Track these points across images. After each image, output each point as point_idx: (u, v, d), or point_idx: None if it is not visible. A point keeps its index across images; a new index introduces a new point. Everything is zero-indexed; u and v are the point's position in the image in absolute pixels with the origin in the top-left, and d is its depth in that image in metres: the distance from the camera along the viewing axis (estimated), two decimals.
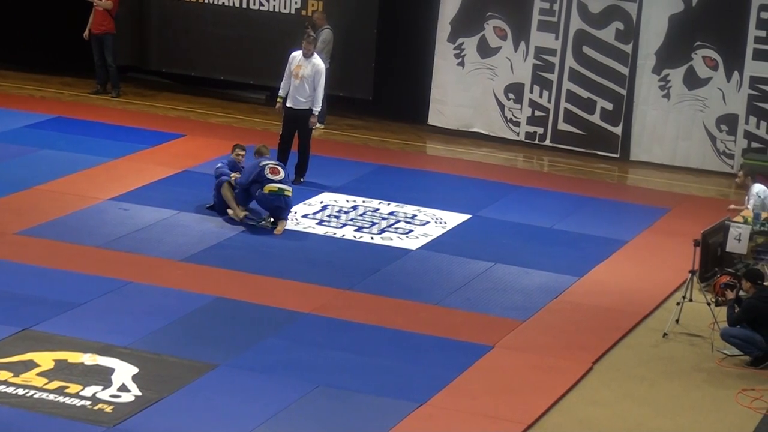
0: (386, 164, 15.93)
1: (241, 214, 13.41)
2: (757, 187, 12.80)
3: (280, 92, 14.57)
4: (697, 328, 11.52)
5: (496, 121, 17.21)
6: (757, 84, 16.19)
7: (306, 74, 14.35)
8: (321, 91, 14.47)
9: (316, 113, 14.56)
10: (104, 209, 13.65)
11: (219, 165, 13.77)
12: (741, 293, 11.14)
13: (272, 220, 13.44)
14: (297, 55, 14.52)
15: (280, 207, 13.35)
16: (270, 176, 13.31)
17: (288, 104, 14.48)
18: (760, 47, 16.12)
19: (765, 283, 11.32)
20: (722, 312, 11.34)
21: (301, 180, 14.70)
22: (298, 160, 14.69)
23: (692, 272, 11.65)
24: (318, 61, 14.51)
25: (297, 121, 14.50)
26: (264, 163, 13.44)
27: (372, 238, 13.33)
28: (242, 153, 13.87)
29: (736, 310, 10.99)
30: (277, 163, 13.62)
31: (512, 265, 12.74)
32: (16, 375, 9.81)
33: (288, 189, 13.36)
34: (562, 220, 14.22)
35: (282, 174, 13.41)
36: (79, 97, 17.99)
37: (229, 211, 13.51)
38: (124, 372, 9.98)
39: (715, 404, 10.22)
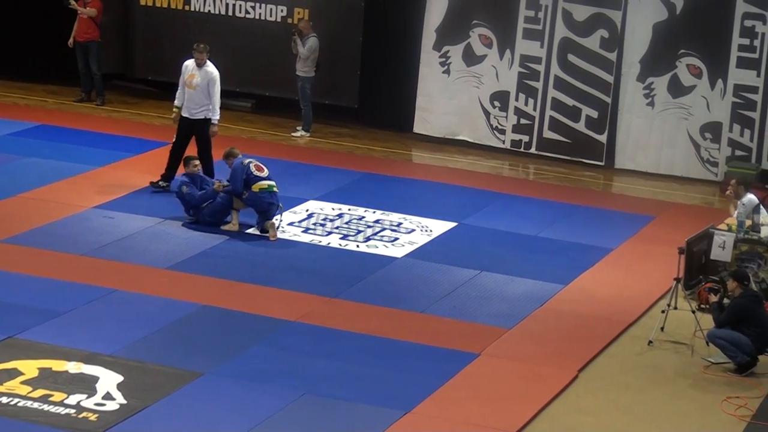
0: (372, 172, 15.93)
1: (237, 226, 13.42)
2: (746, 197, 12.82)
3: (176, 102, 14.46)
4: (682, 335, 11.55)
5: (482, 129, 17.23)
6: (740, 92, 16.25)
7: (198, 83, 14.26)
8: (217, 99, 14.33)
9: (216, 121, 14.38)
10: (89, 217, 13.62)
11: (188, 191, 13.50)
12: (728, 295, 11.18)
13: (260, 230, 13.42)
14: (189, 64, 14.43)
15: (271, 203, 13.32)
16: (257, 173, 13.32)
17: (183, 114, 14.35)
18: (744, 55, 16.19)
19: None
20: (706, 319, 11.37)
21: None
22: (204, 169, 14.37)
23: (677, 280, 11.68)
24: (211, 69, 14.40)
25: (192, 131, 14.37)
26: (247, 161, 13.43)
27: (357, 246, 13.32)
28: (197, 163, 13.82)
29: (721, 313, 11.02)
30: (258, 161, 13.56)
31: (498, 273, 12.75)
32: (0, 383, 9.77)
33: (275, 185, 13.37)
34: (548, 228, 14.24)
35: (266, 171, 13.41)
36: (63, 105, 17.95)
37: (229, 227, 13.43)
38: (108, 380, 9.95)
39: (700, 412, 10.24)
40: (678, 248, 11.82)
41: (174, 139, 14.47)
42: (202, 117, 14.35)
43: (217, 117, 14.43)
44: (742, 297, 10.97)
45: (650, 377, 10.78)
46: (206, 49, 14.46)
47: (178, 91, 14.46)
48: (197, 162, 13.85)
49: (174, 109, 14.54)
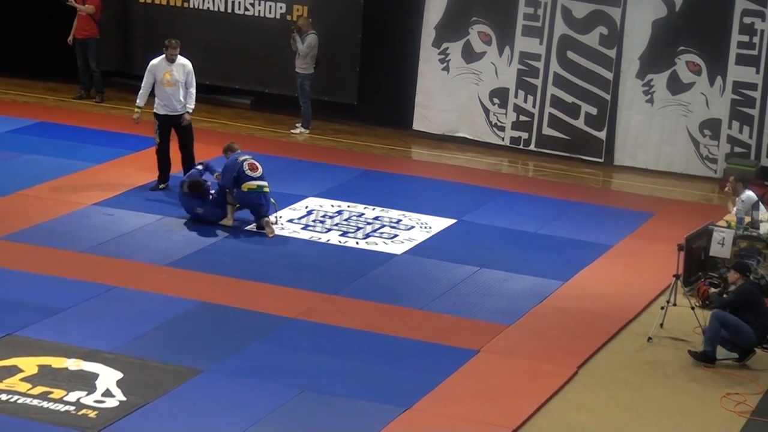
0: (371, 169, 15.93)
1: (231, 221, 13.41)
2: (745, 194, 12.83)
3: (140, 102, 14.30)
4: (682, 332, 11.56)
5: (481, 126, 17.23)
6: (739, 89, 16.26)
7: (178, 78, 14.20)
8: (194, 89, 14.32)
9: (191, 111, 14.35)
10: (88, 214, 13.62)
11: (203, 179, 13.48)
12: (728, 290, 11.19)
13: (257, 227, 13.42)
14: (159, 62, 14.28)
15: (260, 204, 13.28)
16: (249, 173, 13.26)
17: (161, 112, 14.22)
18: (743, 52, 16.19)
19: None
20: (705, 316, 11.36)
21: None
22: (186, 164, 14.36)
23: (676, 276, 11.69)
24: (185, 62, 14.34)
25: (177, 127, 14.31)
26: (242, 159, 13.39)
27: (357, 243, 13.32)
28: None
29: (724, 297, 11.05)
30: (255, 158, 13.50)
31: (497, 270, 12.76)
32: (0, 380, 9.78)
33: (266, 185, 13.31)
34: (547, 225, 14.24)
35: (260, 170, 13.34)
36: (63, 102, 17.96)
37: (224, 221, 13.41)
38: (108, 377, 9.96)
39: (699, 408, 10.25)
40: (677, 245, 11.82)
41: (158, 140, 14.35)
42: (184, 111, 14.35)
43: (193, 106, 14.38)
44: (748, 283, 11.01)
45: (650, 374, 10.78)
46: (179, 43, 14.41)
47: (143, 92, 14.29)
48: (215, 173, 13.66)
49: (137, 110, 14.37)
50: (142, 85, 14.35)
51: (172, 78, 14.20)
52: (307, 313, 11.49)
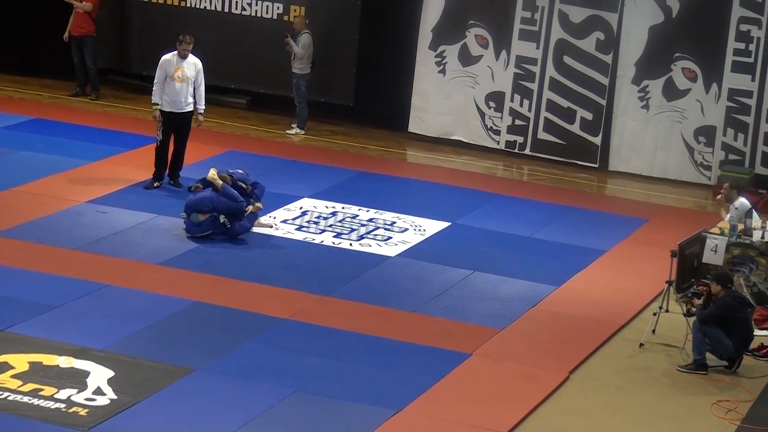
0: (366, 171, 15.93)
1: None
2: (739, 201, 12.84)
3: (156, 99, 14.25)
4: (674, 338, 11.57)
5: (477, 130, 17.23)
6: (735, 96, 16.27)
7: (189, 75, 14.20)
8: (204, 87, 14.34)
9: (203, 110, 14.35)
10: (82, 212, 13.60)
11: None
12: (711, 299, 11.19)
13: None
14: (170, 58, 14.28)
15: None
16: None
17: (167, 109, 14.21)
18: (739, 59, 16.21)
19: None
20: None
21: (179, 180, 14.47)
22: (175, 161, 14.43)
23: (669, 283, 11.70)
24: (196, 60, 14.35)
25: (180, 124, 14.32)
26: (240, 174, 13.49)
27: (351, 245, 13.32)
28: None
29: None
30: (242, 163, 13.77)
31: (490, 274, 12.76)
32: None
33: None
34: (541, 229, 14.25)
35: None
36: (58, 99, 17.93)
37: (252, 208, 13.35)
38: (99, 375, 9.95)
39: (690, 415, 10.26)
40: (670, 251, 11.83)
41: (161, 137, 14.34)
42: (190, 109, 14.35)
43: (204, 106, 14.41)
44: (729, 296, 10.99)
45: (641, 379, 10.79)
46: (193, 40, 14.42)
47: (157, 88, 14.26)
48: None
49: (155, 107, 14.35)
50: (155, 81, 14.35)
51: (183, 74, 14.22)
52: (300, 314, 11.48)
